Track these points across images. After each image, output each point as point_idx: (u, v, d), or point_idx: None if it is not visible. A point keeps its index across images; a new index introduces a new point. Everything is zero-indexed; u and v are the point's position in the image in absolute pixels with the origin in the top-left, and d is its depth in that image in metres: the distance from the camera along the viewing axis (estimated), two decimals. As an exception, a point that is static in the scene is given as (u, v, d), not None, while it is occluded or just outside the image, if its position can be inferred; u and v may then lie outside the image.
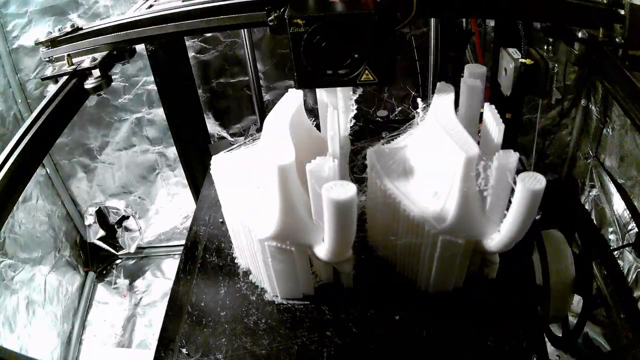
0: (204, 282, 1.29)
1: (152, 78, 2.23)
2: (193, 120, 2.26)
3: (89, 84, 1.25)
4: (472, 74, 1.19)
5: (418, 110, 1.18)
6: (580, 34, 1.15)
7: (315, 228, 1.01)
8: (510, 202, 0.92)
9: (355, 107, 1.18)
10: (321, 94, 1.26)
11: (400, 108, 2.46)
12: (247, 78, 2.41)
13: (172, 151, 2.63)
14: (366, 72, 1.02)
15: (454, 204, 1.00)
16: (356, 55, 1.00)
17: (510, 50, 1.48)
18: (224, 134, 2.63)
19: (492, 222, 1.02)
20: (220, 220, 1.43)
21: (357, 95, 1.18)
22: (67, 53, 1.27)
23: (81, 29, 1.30)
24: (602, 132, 2.25)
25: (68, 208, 2.78)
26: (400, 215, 1.10)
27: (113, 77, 1.35)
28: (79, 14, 2.27)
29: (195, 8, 1.17)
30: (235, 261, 1.32)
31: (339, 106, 1.15)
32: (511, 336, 1.11)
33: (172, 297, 1.26)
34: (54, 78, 1.26)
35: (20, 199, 2.27)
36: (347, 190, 0.87)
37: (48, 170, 2.65)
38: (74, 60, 1.28)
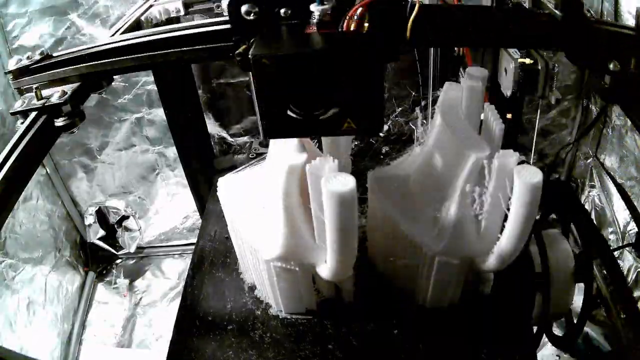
0: (210, 296, 1.31)
1: (152, 78, 2.22)
2: (193, 120, 2.25)
3: (60, 121, 1.05)
4: (473, 76, 1.18)
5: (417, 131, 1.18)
6: (612, 66, 0.95)
7: (318, 248, 1.01)
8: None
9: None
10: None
11: (400, 109, 2.45)
12: (247, 78, 2.39)
13: (172, 151, 2.62)
14: (348, 120, 0.82)
15: (450, 226, 1.01)
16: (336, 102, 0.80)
17: (510, 50, 1.47)
18: (224, 134, 2.62)
19: (487, 242, 1.03)
20: (226, 236, 1.44)
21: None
22: (35, 85, 1.08)
23: (51, 56, 1.14)
24: (602, 132, 2.25)
25: (68, 208, 2.77)
26: (399, 236, 1.11)
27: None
28: (78, 14, 2.25)
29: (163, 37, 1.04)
30: (241, 276, 1.34)
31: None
32: (505, 350, 1.14)
33: (180, 312, 1.28)
34: (24, 113, 1.06)
35: (21, 199, 2.26)
36: (347, 182, 0.83)
37: (48, 170, 2.63)
38: (45, 92, 1.08)
